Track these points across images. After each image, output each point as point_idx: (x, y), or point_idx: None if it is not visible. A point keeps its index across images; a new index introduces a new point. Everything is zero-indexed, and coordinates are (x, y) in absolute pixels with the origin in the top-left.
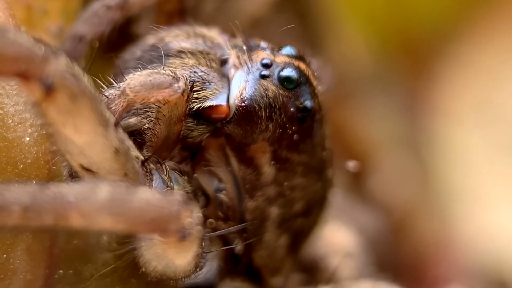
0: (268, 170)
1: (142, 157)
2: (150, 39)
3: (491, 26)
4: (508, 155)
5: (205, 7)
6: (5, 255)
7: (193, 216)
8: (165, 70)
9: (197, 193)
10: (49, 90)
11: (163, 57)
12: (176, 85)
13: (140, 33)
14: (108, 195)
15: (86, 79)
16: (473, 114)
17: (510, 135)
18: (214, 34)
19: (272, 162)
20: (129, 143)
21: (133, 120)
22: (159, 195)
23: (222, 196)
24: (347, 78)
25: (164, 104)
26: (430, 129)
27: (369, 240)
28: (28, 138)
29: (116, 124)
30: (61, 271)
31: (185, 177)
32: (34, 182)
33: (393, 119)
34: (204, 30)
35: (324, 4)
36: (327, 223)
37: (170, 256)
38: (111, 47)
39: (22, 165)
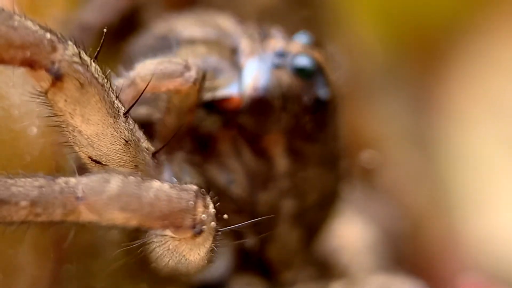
0: (281, 161)
1: (153, 149)
2: (160, 27)
3: (504, 22)
4: None
5: None
6: (12, 250)
7: (207, 211)
8: (176, 58)
9: (208, 185)
10: (56, 78)
11: (174, 46)
12: (187, 74)
13: (149, 20)
14: (118, 189)
15: (94, 68)
16: (485, 111)
17: None
18: (225, 21)
19: (285, 153)
20: (140, 134)
21: (143, 110)
22: (172, 189)
23: (233, 188)
24: (358, 73)
25: (175, 94)
26: (441, 127)
27: (386, 232)
28: (35, 129)
29: (126, 114)
30: (69, 266)
31: (196, 168)
32: (42, 175)
33: (404, 116)
34: (215, 17)
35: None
36: (341, 215)
37: (183, 252)
38: (119, 34)
39: (29, 157)
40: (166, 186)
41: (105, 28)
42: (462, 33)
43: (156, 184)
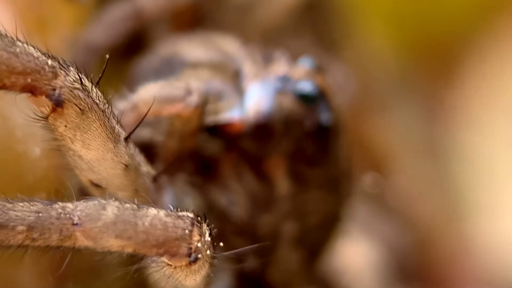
0: (282, 184)
1: (153, 172)
2: (165, 49)
3: None
4: None
5: (220, 16)
6: (12, 271)
7: (203, 239)
8: (178, 83)
9: (210, 207)
10: (57, 104)
11: (178, 68)
12: (189, 98)
13: (155, 40)
14: (114, 216)
15: (96, 93)
16: (498, 119)
17: None
18: (229, 43)
19: (287, 176)
20: (140, 158)
21: (145, 132)
22: (168, 217)
23: (235, 210)
24: (370, 83)
25: (177, 118)
26: (453, 135)
27: (393, 253)
28: (37, 151)
29: (127, 139)
30: (68, 286)
31: (197, 190)
32: (42, 197)
33: (416, 125)
34: (219, 40)
35: (345, 9)
36: (345, 235)
37: (179, 278)
38: (125, 54)
39: (31, 178)
40: (162, 214)
41: (111, 49)
42: (473, 41)
43: (152, 211)
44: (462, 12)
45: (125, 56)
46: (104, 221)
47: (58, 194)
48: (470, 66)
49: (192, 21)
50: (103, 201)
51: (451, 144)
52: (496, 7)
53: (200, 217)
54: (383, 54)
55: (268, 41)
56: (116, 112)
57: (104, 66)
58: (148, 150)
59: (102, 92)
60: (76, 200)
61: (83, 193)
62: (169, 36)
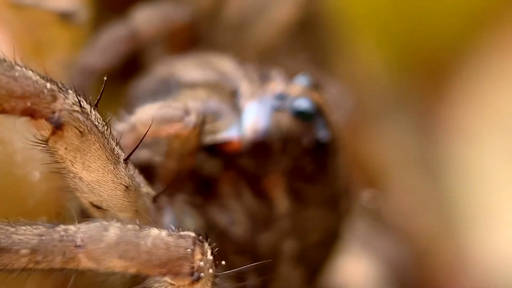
0: (282, 202)
1: (153, 193)
2: (162, 70)
3: (508, 44)
4: None
5: (217, 35)
6: None
7: (205, 258)
8: (176, 103)
9: (209, 226)
10: (57, 127)
11: (175, 89)
12: (187, 118)
13: (151, 61)
14: (116, 237)
15: (95, 115)
16: (491, 132)
17: None
18: (225, 63)
19: (286, 194)
20: (140, 179)
21: (144, 153)
22: (170, 237)
23: (234, 229)
24: (363, 98)
25: (175, 138)
26: (447, 149)
27: (392, 268)
28: (37, 175)
29: (126, 160)
30: None
31: (197, 210)
32: (43, 220)
33: (410, 140)
34: (215, 59)
35: (338, 26)
36: (345, 253)
37: None
38: (122, 75)
39: (32, 202)
40: (164, 234)
41: (107, 71)
42: (466, 55)
43: (154, 232)
44: (454, 26)
45: (122, 77)
46: (107, 242)
47: (59, 217)
48: (462, 80)
49: (188, 41)
50: (105, 222)
51: (445, 158)
52: (488, 21)
53: (201, 236)
54: (376, 69)
55: (263, 59)
56: (115, 134)
57: (102, 87)
58: (147, 170)
59: (101, 114)
60: (78, 222)
61: (83, 215)
62: (165, 57)
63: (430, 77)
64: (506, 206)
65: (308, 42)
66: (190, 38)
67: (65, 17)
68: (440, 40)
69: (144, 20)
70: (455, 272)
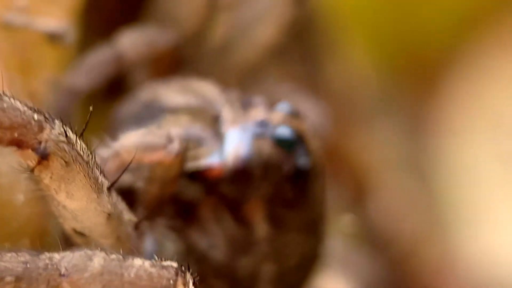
0: (261, 227)
1: (135, 220)
2: (145, 95)
3: (498, 45)
4: None
5: (201, 59)
6: None
7: None
8: (159, 130)
9: (190, 250)
10: (42, 157)
11: (158, 114)
12: (170, 146)
13: (135, 84)
14: (100, 267)
15: (80, 145)
16: (479, 133)
17: None
18: (209, 89)
19: (266, 220)
20: (122, 206)
21: (127, 178)
22: (152, 268)
23: (214, 253)
24: (352, 100)
25: (158, 165)
26: (436, 150)
27: (369, 284)
28: (22, 198)
29: (109, 188)
30: None
31: (178, 234)
32: (26, 243)
33: (399, 142)
34: (199, 85)
35: (327, 25)
36: (322, 273)
37: None
38: (106, 96)
39: (16, 224)
40: (147, 264)
41: (92, 92)
42: (455, 57)
43: (137, 262)
44: (443, 28)
45: (106, 98)
46: (91, 272)
47: (42, 240)
48: (452, 81)
49: (172, 65)
50: (90, 252)
51: (434, 159)
52: (477, 23)
53: (183, 266)
54: (366, 70)
55: (249, 80)
56: (99, 162)
57: (88, 117)
58: (130, 195)
59: (86, 141)
60: (63, 249)
61: (66, 239)
62: (150, 81)
63: (420, 78)
64: (493, 208)
65: (298, 44)
66: (174, 62)
67: (53, 38)
68: (429, 41)
69: (128, 43)
70: (442, 273)
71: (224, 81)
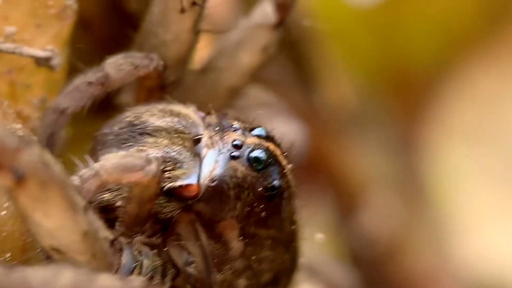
0: (236, 245)
1: (111, 237)
2: (128, 116)
3: (482, 63)
4: (501, 180)
5: (186, 82)
6: None
7: None
8: (138, 151)
9: (167, 266)
10: (20, 179)
11: (138, 136)
12: (148, 167)
13: (122, 104)
14: (69, 283)
15: (57, 167)
16: (463, 146)
17: (502, 160)
18: (190, 112)
19: (240, 238)
20: (99, 224)
21: (106, 196)
22: (118, 283)
23: (191, 269)
24: (338, 116)
25: (136, 185)
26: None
27: None
28: (4, 212)
29: (86, 207)
30: None
31: (156, 251)
32: (7, 256)
33: (384, 155)
34: (180, 108)
35: (314, 46)
36: (295, 285)
37: None
38: (93, 116)
39: None
40: (114, 281)
41: (78, 113)
42: (443, 74)
43: (104, 278)
44: (429, 47)
45: (96, 119)
46: (60, 286)
47: (24, 255)
48: (436, 99)
49: (156, 87)
50: (60, 267)
51: (420, 174)
52: (460, 42)
53: (151, 283)
54: (352, 87)
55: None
56: (78, 181)
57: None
58: (107, 212)
59: (66, 164)
60: (45, 264)
61: (48, 254)
62: (133, 103)
63: (406, 96)
64: (476, 219)
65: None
66: (158, 85)
67: (40, 63)
68: (415, 60)
69: (113, 66)
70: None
71: (206, 104)
